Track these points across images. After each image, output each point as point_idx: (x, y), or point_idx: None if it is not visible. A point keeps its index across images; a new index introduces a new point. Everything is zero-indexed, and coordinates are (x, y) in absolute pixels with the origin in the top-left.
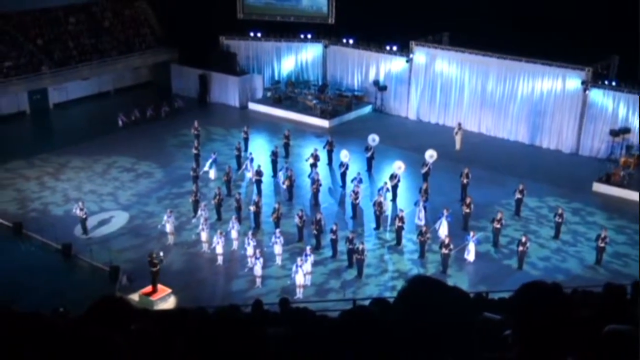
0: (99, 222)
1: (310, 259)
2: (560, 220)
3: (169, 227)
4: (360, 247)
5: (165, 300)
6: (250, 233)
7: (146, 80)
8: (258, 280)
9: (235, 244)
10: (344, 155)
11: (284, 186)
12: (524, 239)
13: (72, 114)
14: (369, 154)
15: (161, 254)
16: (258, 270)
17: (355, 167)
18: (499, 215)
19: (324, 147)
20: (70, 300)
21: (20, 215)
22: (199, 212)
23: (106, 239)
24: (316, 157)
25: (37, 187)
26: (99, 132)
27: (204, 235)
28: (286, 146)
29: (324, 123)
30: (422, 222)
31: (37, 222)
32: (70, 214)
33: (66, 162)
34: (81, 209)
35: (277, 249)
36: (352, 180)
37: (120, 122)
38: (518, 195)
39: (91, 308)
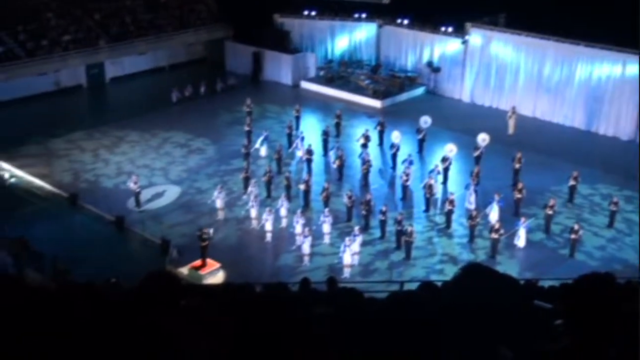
0: (152, 196)
1: (359, 239)
2: (614, 208)
3: (219, 203)
4: (409, 229)
5: (214, 274)
6: (299, 211)
7: (200, 56)
8: (306, 259)
9: (284, 222)
10: (395, 136)
11: (334, 166)
12: (576, 227)
13: (127, 89)
14: (421, 135)
15: (211, 231)
16: (306, 249)
17: (406, 149)
18: (551, 202)
19: (375, 128)
20: (122, 272)
21: (74, 186)
22: (249, 189)
23: (158, 213)
24: (367, 138)
25: (92, 159)
26: (153, 107)
27: (253, 212)
28: (337, 126)
29: (376, 103)
30: (473, 206)
31: (91, 194)
32: (121, 187)
33: (122, 136)
34: (135, 183)
35: (326, 227)
36: (402, 162)
37: (174, 98)
38: (572, 182)
39: (142, 283)
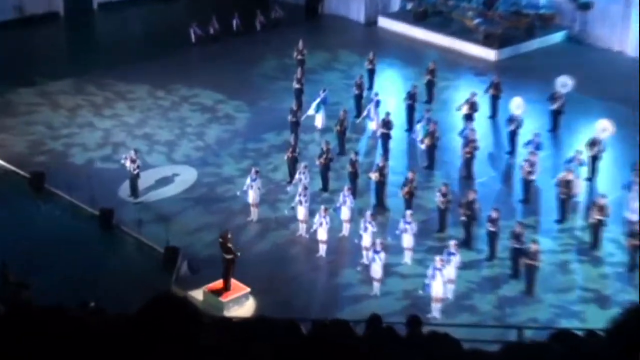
0: (155, 182)
1: (455, 259)
2: None
3: (252, 196)
4: (533, 247)
5: (241, 303)
6: (368, 213)
7: None
8: (376, 286)
9: (346, 228)
10: (515, 105)
11: (423, 146)
12: None
13: (123, 20)
14: (556, 105)
15: (238, 253)
16: (377, 270)
17: (532, 125)
18: None
19: (485, 92)
20: (108, 292)
21: (40, 161)
22: (297, 177)
23: (162, 206)
24: (473, 106)
25: (69, 122)
26: (161, 47)
27: (301, 212)
28: (429, 86)
29: (489, 54)
30: (636, 217)
31: (64, 175)
32: (111, 167)
33: (114, 89)
34: (133, 161)
35: (407, 240)
36: (525, 144)
37: (192, 36)
38: None
39: (141, 311)
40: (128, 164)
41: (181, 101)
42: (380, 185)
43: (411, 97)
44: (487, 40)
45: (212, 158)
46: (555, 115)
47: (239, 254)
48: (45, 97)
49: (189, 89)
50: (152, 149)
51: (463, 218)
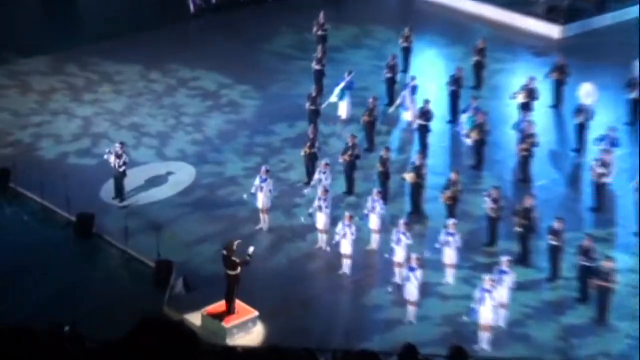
0: (145, 182)
1: (508, 278)
2: None
3: (261, 200)
4: (606, 265)
5: (247, 329)
6: (402, 222)
7: None
8: (411, 310)
9: (374, 240)
10: (584, 93)
11: (469, 141)
12: None
13: None
14: (635, 94)
15: (250, 250)
16: (412, 290)
17: (605, 117)
18: None
19: (547, 76)
20: (85, 313)
21: (4, 156)
22: (316, 176)
23: (154, 211)
24: (531, 93)
25: (39, 108)
26: (155, 20)
27: (321, 219)
28: (478, 68)
29: (552, 30)
30: None
31: (34, 171)
32: (91, 163)
33: (98, 69)
34: (118, 156)
35: (449, 255)
36: (596, 141)
37: (191, 6)
38: None
39: (128, 337)
40: (112, 159)
41: (178, 85)
42: (417, 188)
43: (455, 81)
44: (550, 14)
45: (212, 154)
46: (634, 105)
47: (248, 257)
48: (14, 77)
49: (190, 70)
50: (140, 142)
51: (518, 229)
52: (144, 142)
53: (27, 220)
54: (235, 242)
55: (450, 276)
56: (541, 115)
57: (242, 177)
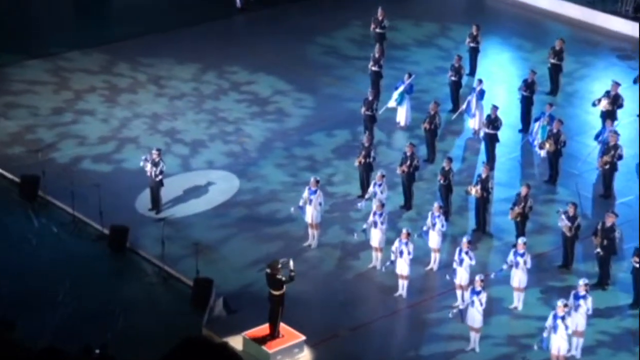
0: (184, 192)
1: (585, 304)
2: None
3: (310, 214)
4: None
5: (292, 355)
6: (465, 241)
7: None
8: (474, 338)
9: (434, 260)
10: None
11: (542, 152)
12: None
13: None
14: None
15: (291, 265)
16: (476, 318)
17: None
18: None
19: (635, 82)
20: (117, 334)
21: (31, 161)
22: (371, 190)
23: (193, 224)
24: (615, 100)
25: (67, 106)
26: (195, 15)
27: (375, 237)
28: (554, 72)
29: (634, 29)
30: None
31: (62, 180)
32: (124, 167)
33: (130, 65)
34: (155, 164)
35: (518, 277)
36: None
37: (237, 0)
38: None
39: (171, 357)
40: (148, 167)
41: (231, 88)
42: (483, 203)
43: (528, 86)
44: (638, 13)
45: (252, 164)
46: None
47: (292, 273)
48: (54, 73)
49: (249, 73)
50: (170, 148)
51: (598, 250)
52: (167, 147)
53: (57, 232)
54: (281, 261)
55: (519, 301)
56: (626, 125)
57: (287, 190)
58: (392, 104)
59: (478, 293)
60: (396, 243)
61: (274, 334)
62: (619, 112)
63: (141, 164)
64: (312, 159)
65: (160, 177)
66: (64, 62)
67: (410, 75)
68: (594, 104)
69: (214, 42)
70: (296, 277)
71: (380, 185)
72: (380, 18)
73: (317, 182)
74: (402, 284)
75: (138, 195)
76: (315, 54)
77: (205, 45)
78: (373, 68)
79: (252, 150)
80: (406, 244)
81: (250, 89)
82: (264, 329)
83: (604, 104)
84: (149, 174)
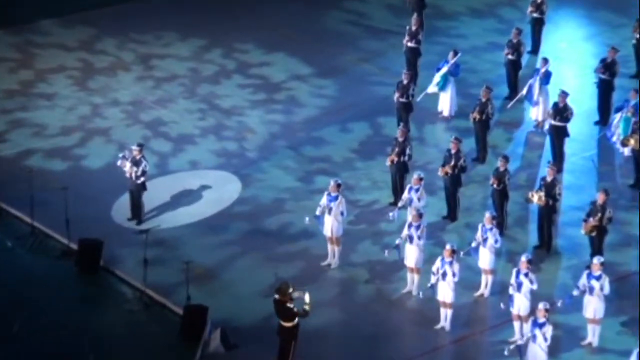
0: (171, 199)
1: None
2: None
3: (330, 225)
4: None
5: None
6: (524, 260)
7: None
8: None
9: (485, 283)
10: None
11: (625, 150)
12: None
13: None
14: None
15: (306, 296)
16: (539, 355)
17: None
18: None
19: None
20: None
21: None
22: (406, 195)
23: (182, 237)
24: None
25: (21, 91)
26: None
27: (411, 254)
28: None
29: None
30: None
31: (16, 180)
32: (93, 168)
33: (117, 42)
34: (136, 163)
35: (593, 306)
36: None
37: None
38: None
39: None
40: (127, 167)
41: (236, 70)
42: (547, 213)
43: (607, 67)
44: None
45: (250, 166)
46: None
47: (307, 307)
48: (19, 48)
49: (266, 52)
50: (151, 144)
51: None
52: (159, 145)
53: (12, 247)
54: (294, 293)
55: (593, 335)
56: None
57: (293, 200)
58: (432, 89)
59: (541, 325)
60: (437, 263)
61: None
62: None
63: (118, 162)
64: (328, 160)
65: (142, 179)
66: (36, 35)
67: (456, 53)
68: None
69: (225, 13)
70: (308, 310)
71: (417, 190)
72: None
73: (339, 186)
74: (445, 314)
75: (115, 201)
76: (340, 23)
77: (215, 17)
78: (409, 44)
79: (251, 149)
80: (450, 263)
81: (260, 72)
82: None
83: None
84: (128, 175)
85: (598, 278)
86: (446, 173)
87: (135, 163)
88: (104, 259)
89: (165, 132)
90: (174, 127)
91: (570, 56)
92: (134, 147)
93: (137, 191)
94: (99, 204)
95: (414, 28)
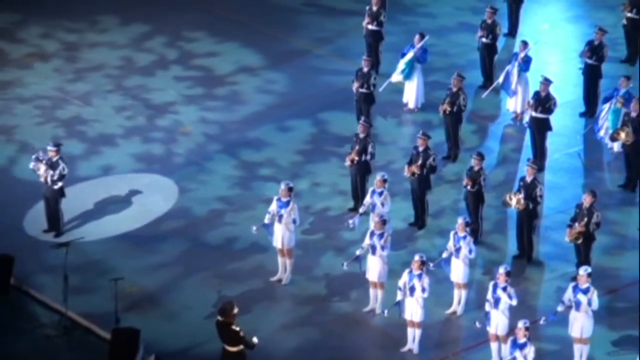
0: (95, 207)
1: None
2: None
3: (281, 236)
4: None
5: None
6: (502, 272)
7: None
8: None
9: (458, 299)
10: None
11: (614, 145)
12: None
13: None
14: None
15: (254, 340)
16: None
17: None
18: None
19: None
20: None
21: None
22: (368, 199)
23: (109, 251)
24: None
25: None
26: None
27: (374, 266)
28: (631, 30)
29: None
30: None
31: None
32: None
33: (42, 30)
34: (52, 166)
35: (580, 323)
36: None
37: None
38: None
39: None
40: (42, 170)
41: (177, 60)
42: (528, 218)
43: (594, 51)
44: None
45: (194, 166)
46: None
47: (255, 340)
48: None
49: (217, 42)
50: (69, 146)
51: None
52: (86, 145)
53: None
54: (235, 304)
55: (580, 357)
56: None
57: (254, 196)
58: (397, 77)
59: (522, 346)
60: (404, 276)
61: None
62: None
63: (31, 165)
64: (272, 163)
65: (59, 184)
66: None
67: (422, 37)
68: None
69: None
70: (262, 328)
71: (381, 194)
72: None
73: (290, 189)
74: (413, 335)
75: (27, 210)
76: (296, 4)
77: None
78: (369, 26)
79: (180, 153)
80: (419, 277)
81: (204, 63)
82: None
83: None
84: (43, 179)
85: (585, 291)
86: (413, 173)
87: (51, 166)
88: (15, 276)
89: (82, 131)
90: (95, 126)
91: (552, 39)
92: (50, 148)
93: (53, 198)
94: (8, 213)
95: (374, 8)
